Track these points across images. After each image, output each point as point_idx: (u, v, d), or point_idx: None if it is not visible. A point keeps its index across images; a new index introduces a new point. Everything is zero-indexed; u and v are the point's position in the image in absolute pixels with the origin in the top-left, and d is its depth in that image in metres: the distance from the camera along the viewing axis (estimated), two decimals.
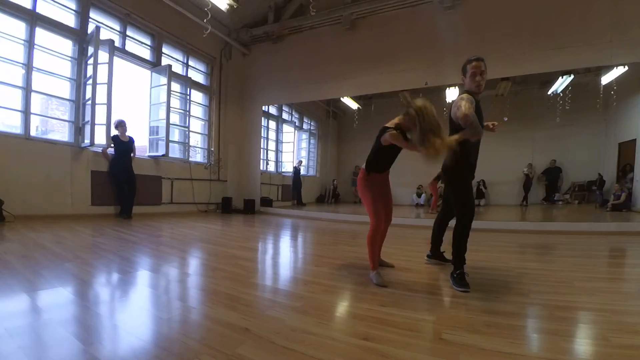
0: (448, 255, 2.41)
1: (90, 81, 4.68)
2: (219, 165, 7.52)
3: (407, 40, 6.05)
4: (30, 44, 4.35)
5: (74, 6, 4.88)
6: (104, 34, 4.97)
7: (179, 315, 1.50)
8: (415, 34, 5.98)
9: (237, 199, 7.47)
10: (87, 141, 4.77)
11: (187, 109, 6.77)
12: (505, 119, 8.40)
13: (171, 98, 6.04)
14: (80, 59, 4.90)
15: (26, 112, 4.35)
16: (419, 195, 10.22)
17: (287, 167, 10.09)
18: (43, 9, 4.49)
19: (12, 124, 4.41)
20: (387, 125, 2.14)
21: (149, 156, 6.16)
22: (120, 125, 5.19)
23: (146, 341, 1.23)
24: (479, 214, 6.78)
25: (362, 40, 6.47)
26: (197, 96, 7.23)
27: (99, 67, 4.70)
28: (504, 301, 1.76)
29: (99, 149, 5.07)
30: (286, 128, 10.07)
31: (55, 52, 4.68)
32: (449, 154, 2.18)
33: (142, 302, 1.72)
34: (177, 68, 6.62)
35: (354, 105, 10.19)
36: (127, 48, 5.68)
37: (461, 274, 2.06)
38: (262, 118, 8.09)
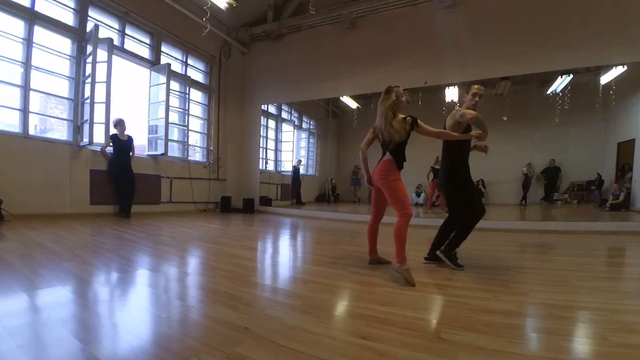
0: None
1: (89, 80, 4.66)
2: (218, 164, 7.51)
3: (406, 39, 6.04)
4: (28, 42, 4.33)
5: (72, 4, 4.86)
6: (103, 33, 4.96)
7: (178, 314, 1.50)
8: (415, 33, 5.97)
9: (237, 198, 7.46)
10: (86, 140, 4.76)
11: (187, 108, 6.76)
12: (505, 118, 8.42)
13: (170, 97, 6.03)
14: (79, 58, 4.88)
15: (25, 111, 4.34)
16: (418, 195, 10.22)
17: (287, 166, 10.08)
18: (42, 7, 4.48)
19: (10, 122, 4.40)
20: (404, 116, 2.26)
21: (148, 155, 6.15)
22: (119, 124, 5.18)
23: (145, 340, 1.23)
24: None
25: (361, 39, 6.46)
26: (196, 95, 7.22)
27: (98, 65, 4.68)
28: (503, 300, 1.76)
29: (98, 148, 5.06)
30: (285, 127, 10.06)
31: (54, 50, 4.67)
32: (449, 161, 2.55)
33: (141, 301, 1.71)
34: (177, 67, 6.61)
35: (353, 104, 10.18)
36: (126, 47, 5.66)
37: (455, 255, 2.49)
38: (262, 117, 8.08)
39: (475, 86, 2.55)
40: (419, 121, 2.25)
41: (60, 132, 5.18)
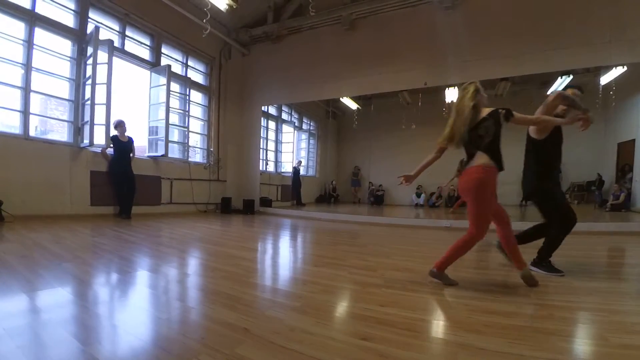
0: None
1: (89, 81, 4.67)
2: (218, 166, 7.52)
3: (406, 41, 6.05)
4: (29, 44, 4.34)
5: (73, 6, 4.87)
6: (103, 34, 4.97)
7: (178, 315, 1.50)
8: (414, 34, 5.98)
9: (237, 199, 7.46)
10: (86, 141, 4.77)
11: (187, 109, 6.77)
12: None
13: (170, 98, 6.04)
14: (79, 59, 4.89)
15: (25, 112, 4.35)
16: (418, 196, 10.24)
17: (287, 167, 10.10)
18: (42, 9, 4.49)
19: (11, 124, 4.41)
20: (493, 109, 2.05)
21: (148, 156, 6.16)
22: (120, 125, 5.18)
23: (145, 341, 1.23)
24: None
25: (361, 41, 6.47)
26: (196, 96, 7.23)
27: (98, 67, 4.69)
28: (503, 301, 1.76)
29: (98, 149, 5.07)
30: (285, 128, 10.07)
31: (55, 52, 4.68)
32: (539, 168, 2.47)
33: (141, 302, 1.71)
34: (177, 68, 6.62)
35: (353, 105, 10.20)
36: (126, 48, 5.67)
37: (550, 262, 2.37)
38: (262, 118, 8.10)
39: (571, 90, 2.37)
40: (514, 112, 1.99)
41: (60, 133, 5.20)
